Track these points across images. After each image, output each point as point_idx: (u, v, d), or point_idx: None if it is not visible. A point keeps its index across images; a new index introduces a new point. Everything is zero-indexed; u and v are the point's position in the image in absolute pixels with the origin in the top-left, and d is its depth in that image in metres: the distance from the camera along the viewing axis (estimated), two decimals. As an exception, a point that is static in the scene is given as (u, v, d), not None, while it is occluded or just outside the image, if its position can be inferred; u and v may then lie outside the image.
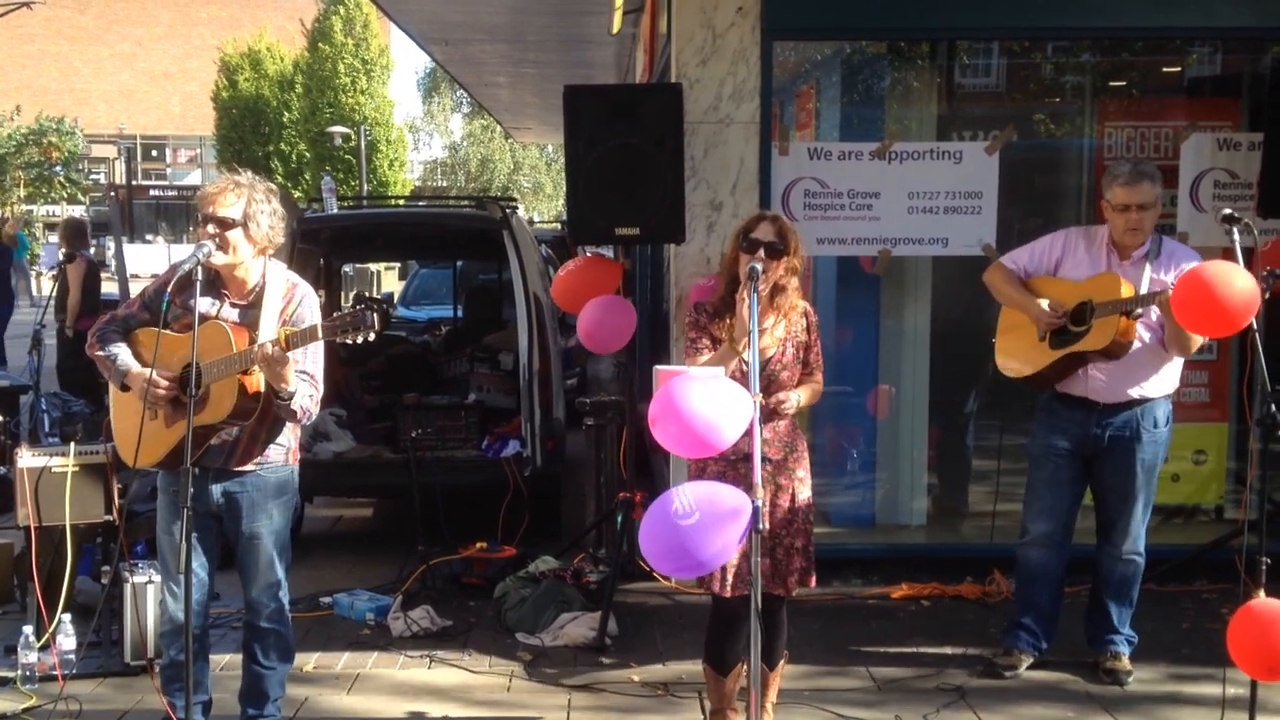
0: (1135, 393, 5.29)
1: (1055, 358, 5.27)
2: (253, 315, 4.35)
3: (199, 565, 4.43)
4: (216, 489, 4.43)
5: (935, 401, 7.38)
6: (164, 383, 4.26)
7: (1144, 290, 5.12)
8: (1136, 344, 5.17)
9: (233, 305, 4.39)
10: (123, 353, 4.38)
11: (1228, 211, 4.78)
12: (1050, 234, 5.56)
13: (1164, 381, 5.34)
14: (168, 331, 4.28)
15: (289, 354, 4.15)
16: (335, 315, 4.13)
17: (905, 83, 7.66)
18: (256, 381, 4.23)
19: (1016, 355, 5.48)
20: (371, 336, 4.08)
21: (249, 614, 4.62)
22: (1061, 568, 5.55)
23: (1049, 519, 5.50)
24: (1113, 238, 5.30)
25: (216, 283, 4.37)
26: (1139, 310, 5.09)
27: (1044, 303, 5.27)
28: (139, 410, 4.32)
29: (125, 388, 4.39)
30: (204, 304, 4.29)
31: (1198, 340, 5.13)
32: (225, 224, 4.25)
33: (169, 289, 4.21)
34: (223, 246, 4.25)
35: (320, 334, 4.14)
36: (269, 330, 4.29)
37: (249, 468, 4.45)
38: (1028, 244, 5.59)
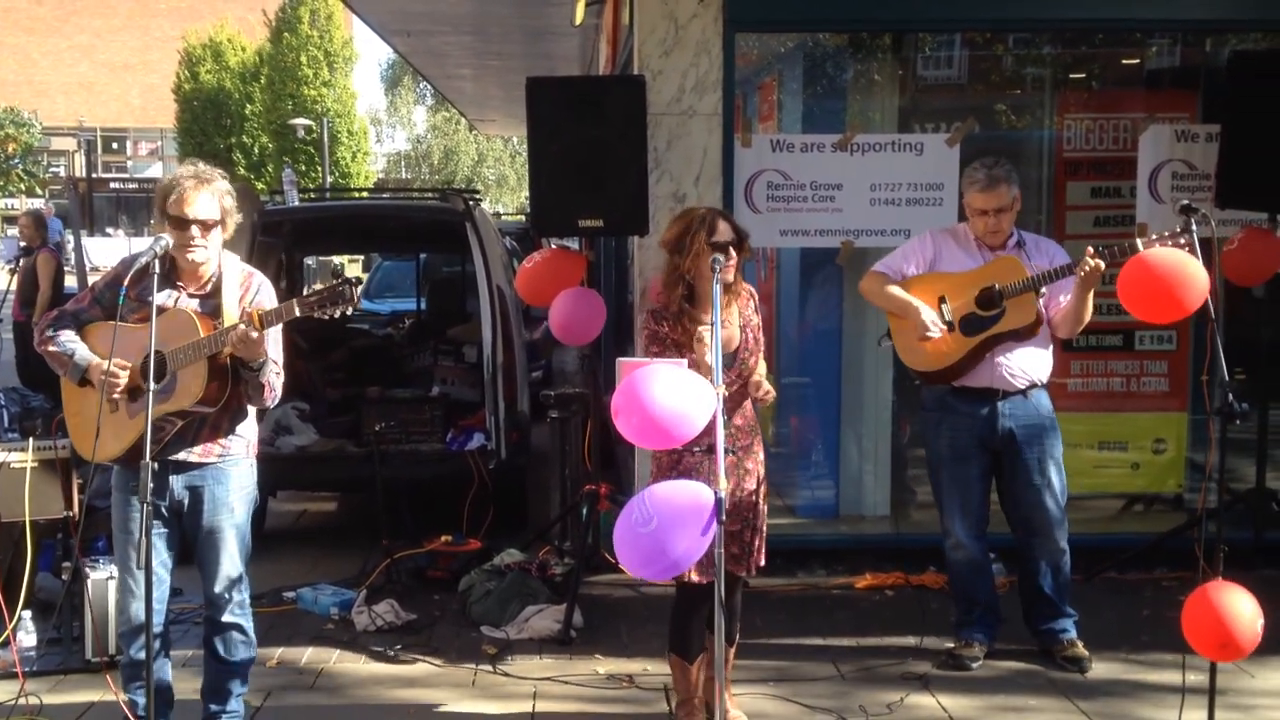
0: (1035, 374, 5.39)
1: (974, 344, 5.31)
2: (213, 304, 4.35)
3: (159, 562, 4.38)
4: (178, 484, 4.40)
5: (898, 392, 7.42)
6: (121, 372, 4.22)
7: (1031, 274, 5.22)
8: None
9: (190, 296, 4.36)
10: (80, 347, 4.34)
11: (1186, 202, 4.83)
12: (913, 239, 5.66)
13: (1050, 365, 5.48)
14: (124, 324, 4.24)
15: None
16: (311, 291, 4.19)
17: (867, 75, 7.68)
18: (225, 364, 4.24)
19: (924, 349, 5.43)
20: (350, 310, 4.13)
21: (210, 609, 4.58)
22: (988, 558, 5.65)
23: (969, 516, 5.56)
24: (977, 236, 5.39)
25: (172, 275, 4.36)
26: (1045, 288, 5.21)
27: (924, 309, 5.31)
28: (97, 404, 4.27)
29: (84, 382, 4.35)
30: (160, 296, 4.25)
31: (1088, 318, 5.22)
32: (208, 225, 4.26)
33: (125, 282, 4.20)
34: (202, 245, 4.26)
35: (297, 310, 4.14)
36: (233, 319, 4.29)
37: (211, 460, 4.42)
38: (896, 251, 5.63)
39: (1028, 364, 5.37)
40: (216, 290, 4.36)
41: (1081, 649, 5.53)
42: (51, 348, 4.34)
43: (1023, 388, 5.39)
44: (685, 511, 3.75)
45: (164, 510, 4.38)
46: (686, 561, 3.89)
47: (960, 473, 5.53)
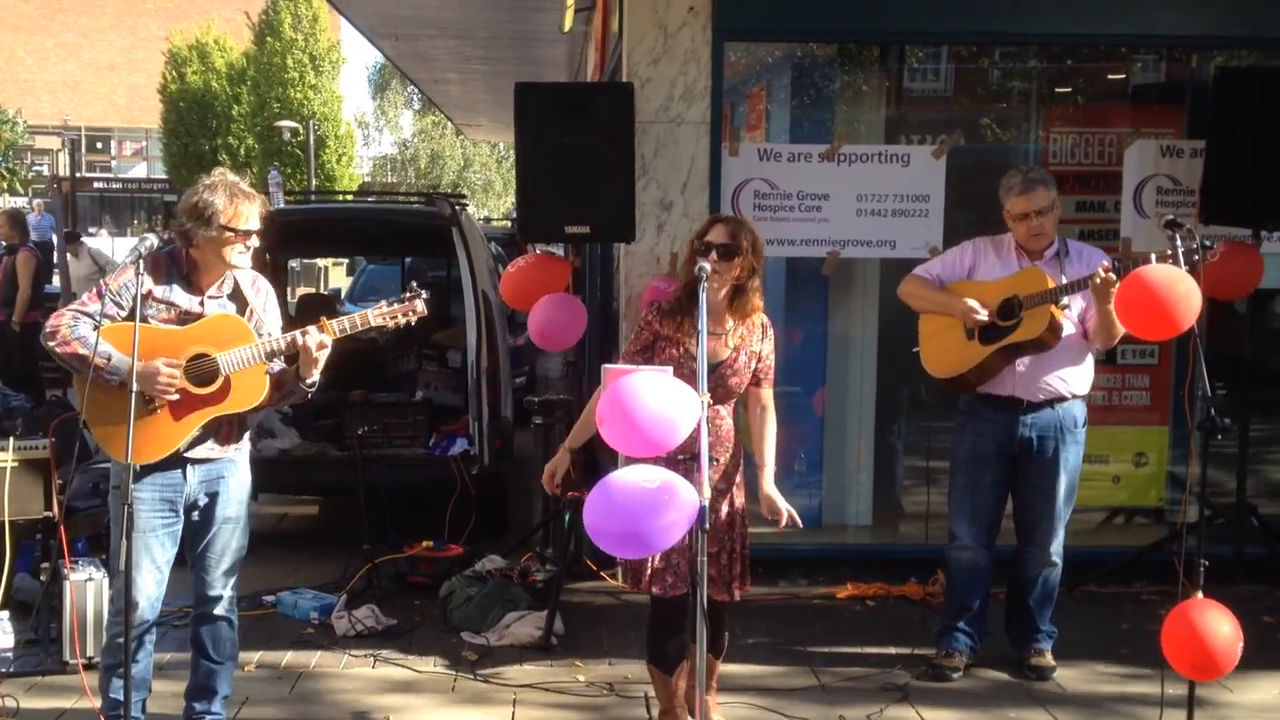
0: (1061, 387, 5.37)
1: (989, 352, 5.32)
2: (240, 306, 4.41)
3: (164, 560, 4.41)
4: (194, 479, 4.40)
5: (882, 403, 7.43)
6: (177, 374, 4.20)
7: (1052, 286, 5.21)
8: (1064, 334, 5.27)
9: (210, 298, 4.37)
10: (115, 350, 4.19)
11: (1170, 217, 4.86)
12: (958, 245, 5.64)
13: (1083, 378, 5.45)
14: (161, 326, 4.25)
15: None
16: (387, 301, 4.41)
17: (854, 86, 7.70)
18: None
19: (946, 356, 5.51)
20: (413, 320, 4.42)
21: (203, 605, 4.56)
22: (991, 569, 5.62)
23: (977, 522, 5.56)
24: (1019, 244, 5.39)
25: (191, 276, 4.37)
26: (1066, 300, 5.19)
27: (970, 300, 5.33)
28: (129, 406, 4.13)
29: (118, 384, 4.22)
30: (183, 298, 4.32)
31: (1122, 329, 5.19)
32: (258, 235, 4.39)
33: (113, 290, 4.23)
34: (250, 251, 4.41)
35: (372, 320, 4.35)
36: (260, 319, 4.42)
37: (227, 455, 4.45)
38: (935, 258, 5.68)
39: (1052, 376, 5.35)
40: (237, 293, 4.42)
41: (1048, 659, 5.57)
42: (81, 350, 4.16)
43: (1045, 399, 5.38)
44: (684, 495, 3.75)
45: (179, 508, 4.39)
46: (658, 540, 3.83)
47: (976, 478, 5.54)
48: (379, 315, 4.38)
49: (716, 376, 4.42)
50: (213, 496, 4.45)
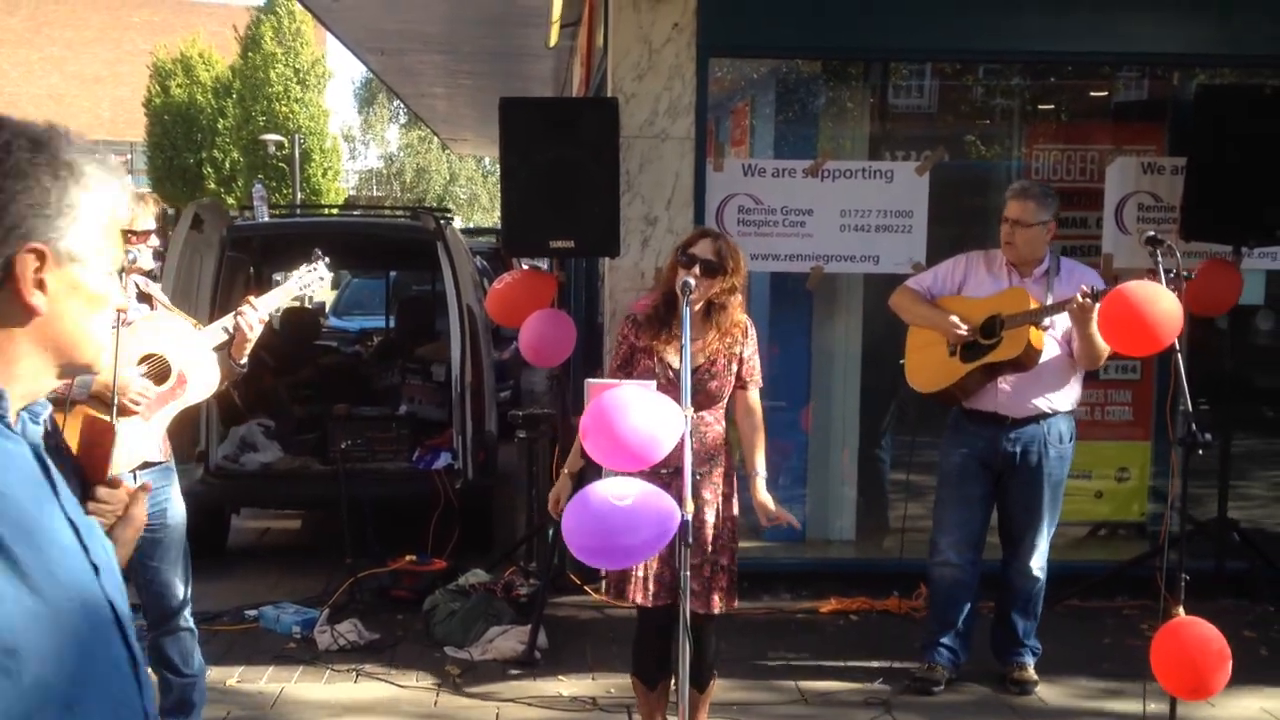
0: (1043, 405, 5.39)
1: (968, 370, 5.36)
2: (150, 305, 4.47)
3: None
4: None
5: (865, 418, 7.44)
6: (149, 383, 4.24)
7: (1032, 308, 5.24)
8: (1046, 355, 5.28)
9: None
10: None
11: (1151, 234, 4.88)
12: (951, 258, 5.65)
13: (1069, 395, 5.46)
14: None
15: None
16: (298, 272, 4.62)
17: (839, 102, 7.74)
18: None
19: (927, 371, 5.55)
20: (325, 284, 4.59)
21: (166, 620, 4.51)
22: (975, 584, 5.61)
23: (961, 535, 5.56)
24: (1009, 260, 5.41)
25: None
26: (1047, 321, 5.20)
27: (954, 317, 5.37)
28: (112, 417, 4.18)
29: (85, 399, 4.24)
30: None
31: (1105, 352, 5.21)
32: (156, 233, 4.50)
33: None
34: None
35: (294, 291, 4.57)
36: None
37: (166, 459, 4.47)
38: (929, 270, 5.70)
39: (1034, 393, 5.37)
40: (141, 294, 4.47)
41: (1029, 674, 5.59)
42: None
43: (1028, 415, 5.39)
44: (661, 507, 3.71)
45: None
46: (639, 553, 3.83)
47: (961, 492, 5.56)
48: (295, 285, 4.60)
49: (694, 381, 4.26)
50: (163, 509, 4.43)
